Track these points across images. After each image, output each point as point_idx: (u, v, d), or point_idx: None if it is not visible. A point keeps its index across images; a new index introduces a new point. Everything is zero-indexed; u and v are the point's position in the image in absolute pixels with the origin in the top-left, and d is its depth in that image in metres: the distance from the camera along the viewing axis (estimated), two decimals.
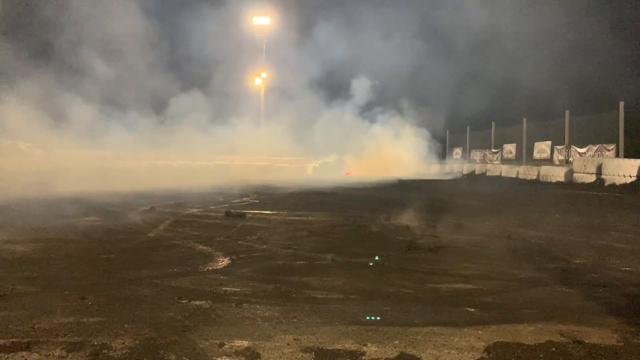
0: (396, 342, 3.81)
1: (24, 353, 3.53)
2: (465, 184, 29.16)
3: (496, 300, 5.02)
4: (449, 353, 3.60)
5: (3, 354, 3.50)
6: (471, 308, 4.70)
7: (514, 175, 34.54)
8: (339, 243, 8.23)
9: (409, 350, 3.63)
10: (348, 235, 9.03)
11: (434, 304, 4.83)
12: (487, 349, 3.66)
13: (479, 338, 3.89)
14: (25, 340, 3.76)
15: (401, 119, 43.17)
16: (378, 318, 4.36)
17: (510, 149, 40.76)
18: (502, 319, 4.38)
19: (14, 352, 3.55)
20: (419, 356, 3.54)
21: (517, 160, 38.50)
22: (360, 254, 7.29)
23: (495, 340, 3.83)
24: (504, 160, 40.67)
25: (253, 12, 46.06)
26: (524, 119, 38.10)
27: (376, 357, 3.51)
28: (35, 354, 3.52)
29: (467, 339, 3.88)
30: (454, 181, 33.44)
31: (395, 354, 3.57)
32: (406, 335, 3.94)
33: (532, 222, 11.14)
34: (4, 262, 6.42)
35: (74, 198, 14.89)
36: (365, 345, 3.73)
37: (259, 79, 49.39)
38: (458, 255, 7.22)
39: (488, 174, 38.67)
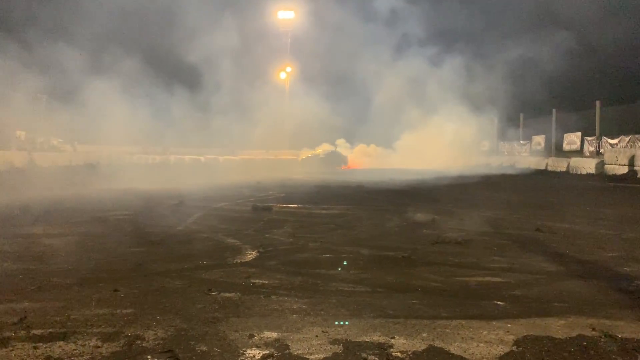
0: (424, 335, 3.82)
1: (61, 343, 3.65)
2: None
3: (525, 293, 4.98)
4: (477, 346, 3.59)
5: (41, 344, 3.63)
6: (500, 301, 4.68)
7: (542, 167, 33.96)
8: (365, 236, 8.24)
9: (437, 343, 3.64)
10: (375, 228, 9.03)
11: (461, 297, 4.81)
12: (517, 343, 3.65)
13: (508, 331, 3.87)
14: (62, 330, 3.88)
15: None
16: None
17: (539, 140, 40.03)
18: (532, 312, 4.34)
19: (51, 341, 3.67)
20: (447, 349, 3.55)
21: (546, 152, 37.80)
22: (386, 247, 7.29)
23: (525, 334, 3.81)
24: (533, 152, 39.97)
25: (277, 6, 46.14)
26: (553, 110, 37.36)
27: (404, 350, 3.53)
28: (72, 344, 3.64)
29: (495, 332, 3.87)
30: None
31: (424, 347, 3.58)
32: (434, 328, 3.95)
33: (561, 214, 10.96)
34: (41, 255, 6.62)
35: (107, 195, 15.24)
36: (393, 337, 3.75)
37: (284, 74, 49.48)
38: (486, 248, 7.17)
39: (517, 166, 38.06)
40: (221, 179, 22.10)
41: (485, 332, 3.86)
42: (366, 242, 7.71)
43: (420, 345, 3.60)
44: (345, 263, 6.24)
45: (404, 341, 3.69)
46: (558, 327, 3.96)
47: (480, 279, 5.53)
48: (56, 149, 29.67)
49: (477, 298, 4.80)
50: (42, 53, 22.03)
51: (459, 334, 3.84)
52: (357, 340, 3.70)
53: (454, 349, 3.55)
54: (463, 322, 4.09)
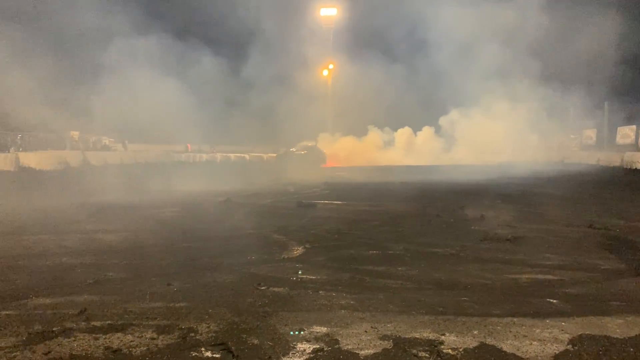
0: (475, 332, 3.77)
1: (119, 334, 3.79)
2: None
3: (579, 291, 4.84)
4: (530, 344, 3.52)
5: (101, 335, 3.78)
6: (553, 299, 4.57)
7: (594, 162, 32.73)
8: (411, 233, 8.18)
9: (489, 341, 3.59)
10: (420, 225, 8.94)
11: (513, 295, 4.72)
12: (572, 341, 3.55)
13: (562, 330, 3.78)
14: (119, 322, 4.03)
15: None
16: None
17: (590, 134, 38.60)
18: (587, 310, 4.22)
19: (110, 333, 3.82)
20: (499, 347, 3.49)
21: (598, 146, 36.37)
22: (433, 244, 7.21)
23: (581, 333, 3.71)
24: (583, 147, 38.57)
25: (320, 3, 46.08)
26: (605, 103, 35.91)
27: (455, 347, 3.50)
28: (129, 335, 3.78)
29: (549, 330, 3.78)
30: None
31: (475, 344, 3.54)
32: (485, 326, 3.89)
33: (616, 210, 10.57)
34: (97, 251, 6.88)
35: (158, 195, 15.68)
36: (444, 334, 3.72)
37: (326, 71, 49.44)
38: (536, 245, 7.00)
39: (566, 161, 36.84)
40: (265, 176, 22.35)
41: (538, 331, 3.77)
42: (413, 238, 7.66)
43: (471, 343, 3.56)
44: (392, 260, 6.22)
45: (455, 338, 3.65)
46: (616, 327, 3.83)
47: (531, 276, 5.41)
48: (108, 148, 30.68)
49: (528, 296, 4.70)
50: (95, 55, 22.82)
51: (511, 331, 3.77)
52: (406, 337, 3.69)
53: (507, 346, 3.49)
54: (515, 319, 4.01)
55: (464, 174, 22.41)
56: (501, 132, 36.39)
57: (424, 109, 41.79)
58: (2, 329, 3.89)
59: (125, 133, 31.76)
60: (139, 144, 33.78)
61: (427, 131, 43.72)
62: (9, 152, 21.73)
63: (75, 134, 28.43)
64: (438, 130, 42.67)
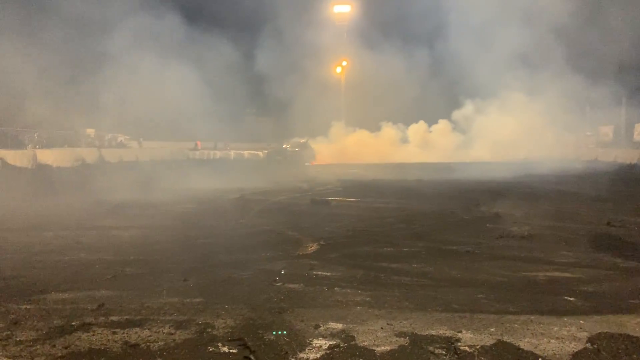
0: (492, 329, 3.75)
1: (137, 329, 3.83)
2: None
3: (597, 289, 4.79)
4: (548, 342, 3.49)
5: (119, 330, 3.82)
6: (570, 297, 4.52)
7: (610, 160, 32.30)
8: (426, 230, 8.15)
9: (506, 338, 3.56)
10: (436, 223, 8.91)
11: (529, 292, 4.69)
12: (591, 340, 3.52)
13: (580, 328, 3.74)
14: (137, 317, 4.07)
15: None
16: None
17: (606, 131, 38.08)
18: (606, 309, 4.17)
19: (128, 328, 3.86)
20: (516, 344, 3.47)
21: (615, 143, 35.82)
22: (449, 241, 7.18)
23: (599, 331, 3.67)
24: (599, 144, 38.05)
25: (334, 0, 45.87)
26: (623, 98, 35.35)
27: (472, 344, 3.48)
28: (146, 330, 3.81)
29: (567, 328, 3.74)
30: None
31: (492, 342, 3.52)
32: (502, 323, 3.87)
33: (634, 208, 10.43)
34: (113, 247, 6.95)
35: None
36: (460, 332, 3.70)
37: (339, 68, 49.29)
38: (553, 243, 6.93)
39: (582, 158, 36.39)
40: (277, 173, 22.40)
41: (556, 328, 3.74)
42: (427, 236, 7.63)
43: (488, 340, 3.54)
44: (407, 257, 6.20)
45: (471, 335, 3.64)
46: (635, 325, 3.79)
47: (548, 274, 5.37)
48: (123, 145, 30.92)
49: (545, 293, 4.66)
50: (109, 53, 22.96)
51: (528, 329, 3.74)
52: (423, 334, 3.68)
53: (524, 344, 3.47)
54: (532, 317, 3.98)
55: (480, 172, 22.18)
56: (517, 127, 35.32)
57: (438, 103, 40.84)
58: (23, 323, 3.95)
59: (140, 130, 31.98)
60: (153, 141, 34.00)
61: (443, 125, 42.34)
62: (26, 149, 22.01)
63: (91, 131, 28.69)
64: (453, 125, 41.78)
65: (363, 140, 38.70)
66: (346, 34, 45.21)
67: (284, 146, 33.68)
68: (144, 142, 33.31)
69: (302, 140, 34.04)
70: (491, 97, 37.22)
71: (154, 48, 23.91)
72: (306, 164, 30.01)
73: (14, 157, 20.00)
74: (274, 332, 3.71)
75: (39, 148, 22.66)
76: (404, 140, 42.01)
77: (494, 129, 36.04)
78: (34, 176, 17.45)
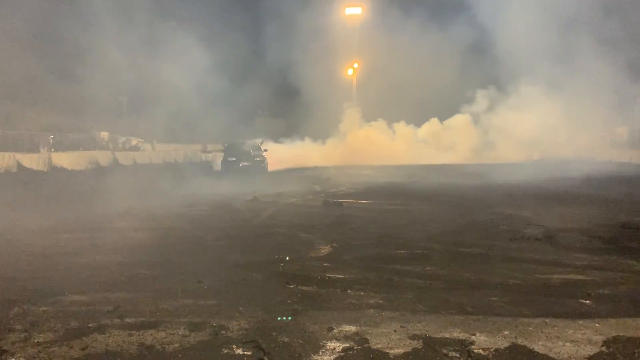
0: (506, 332, 3.73)
1: (152, 331, 3.87)
2: None
3: (613, 292, 4.75)
4: (563, 345, 3.48)
5: (135, 332, 3.86)
6: (586, 300, 4.49)
7: (625, 160, 31.89)
8: (439, 232, 8.12)
9: (520, 341, 3.55)
10: (449, 225, 8.87)
11: (544, 295, 4.66)
12: (606, 343, 3.49)
13: (596, 331, 3.71)
14: (152, 319, 4.11)
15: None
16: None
17: (621, 131, 37.61)
18: (622, 312, 4.14)
19: (143, 329, 3.90)
20: (531, 347, 3.45)
21: (629, 144, 35.25)
22: (462, 243, 7.16)
23: (615, 334, 3.64)
24: (614, 144, 37.54)
25: (345, 3, 45.81)
26: (638, 99, 34.82)
27: (486, 347, 3.47)
28: (162, 332, 3.85)
29: (582, 331, 3.72)
30: None
31: (506, 345, 3.50)
32: (516, 326, 3.85)
33: None
34: (128, 249, 7.02)
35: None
36: (474, 334, 3.70)
37: (351, 70, 49.21)
38: (568, 245, 6.88)
39: (597, 158, 35.93)
40: (291, 175, 22.43)
41: (571, 332, 3.72)
42: (440, 237, 7.61)
43: (502, 343, 3.53)
44: (420, 259, 6.19)
45: (485, 338, 3.63)
46: None
47: (563, 276, 5.33)
48: (137, 148, 31.20)
49: (560, 296, 4.64)
50: (123, 56, 23.16)
51: (542, 332, 3.72)
52: (436, 336, 3.68)
53: (539, 347, 3.45)
54: (547, 320, 3.96)
55: (497, 174, 21.95)
56: (537, 125, 33.04)
57: (450, 98, 39.65)
58: (40, 325, 4.01)
59: (153, 133, 32.24)
60: (166, 144, 34.25)
61: (459, 120, 40.28)
62: (40, 152, 22.28)
63: (104, 134, 29.01)
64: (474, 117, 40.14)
65: (375, 139, 37.84)
66: (358, 36, 45.06)
67: (247, 149, 24.84)
68: (157, 145, 33.54)
69: (259, 142, 26.33)
70: (508, 91, 35.34)
71: (165, 50, 24.02)
72: (258, 174, 23.13)
73: (30, 160, 20.29)
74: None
75: (53, 151, 22.94)
76: (418, 140, 41.07)
77: (513, 126, 34.01)
78: (49, 178, 17.66)
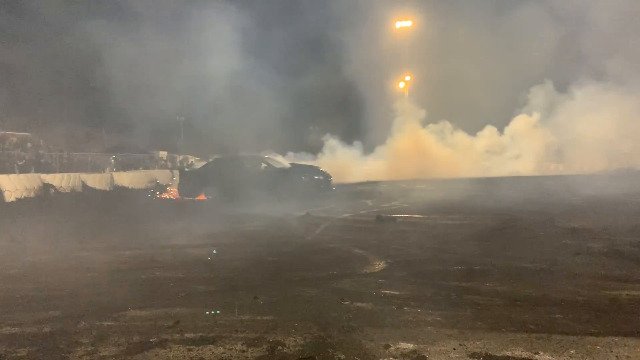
0: (572, 351, 3.57)
1: (211, 346, 3.94)
2: None
3: None
4: None
5: (194, 346, 3.94)
6: None
7: None
8: (498, 247, 7.89)
9: None
10: (508, 240, 8.60)
11: (612, 312, 4.44)
12: None
13: None
14: (210, 335, 4.19)
15: None
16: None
17: None
18: None
19: (202, 344, 3.98)
20: None
21: None
22: (522, 258, 6.92)
23: None
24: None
25: (396, 16, 45.76)
26: None
27: None
28: (220, 347, 3.91)
29: None
30: None
31: None
32: (583, 345, 3.68)
33: None
34: (186, 265, 7.20)
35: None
36: (537, 353, 3.55)
37: (402, 83, 48.94)
38: (637, 260, 6.53)
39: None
40: (341, 191, 22.43)
41: None
42: (499, 253, 7.39)
43: None
44: (478, 275, 6.03)
45: (550, 357, 3.48)
46: None
47: (632, 292, 5.06)
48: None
49: (630, 314, 4.40)
50: (180, 76, 23.87)
51: (612, 351, 3.54)
52: (497, 355, 3.56)
53: None
54: (616, 339, 3.77)
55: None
56: (609, 131, 28.77)
57: (506, 105, 37.70)
58: (105, 339, 4.16)
59: (210, 150, 33.06)
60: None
61: (521, 122, 36.87)
62: (104, 172, 23.31)
63: (163, 153, 30.08)
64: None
65: (429, 149, 36.57)
66: (408, 49, 44.82)
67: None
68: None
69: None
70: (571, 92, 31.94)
71: (223, 70, 24.53)
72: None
73: (93, 180, 21.28)
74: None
75: (115, 171, 23.94)
76: (476, 150, 39.11)
77: (583, 132, 30.02)
78: (112, 197, 18.40)
